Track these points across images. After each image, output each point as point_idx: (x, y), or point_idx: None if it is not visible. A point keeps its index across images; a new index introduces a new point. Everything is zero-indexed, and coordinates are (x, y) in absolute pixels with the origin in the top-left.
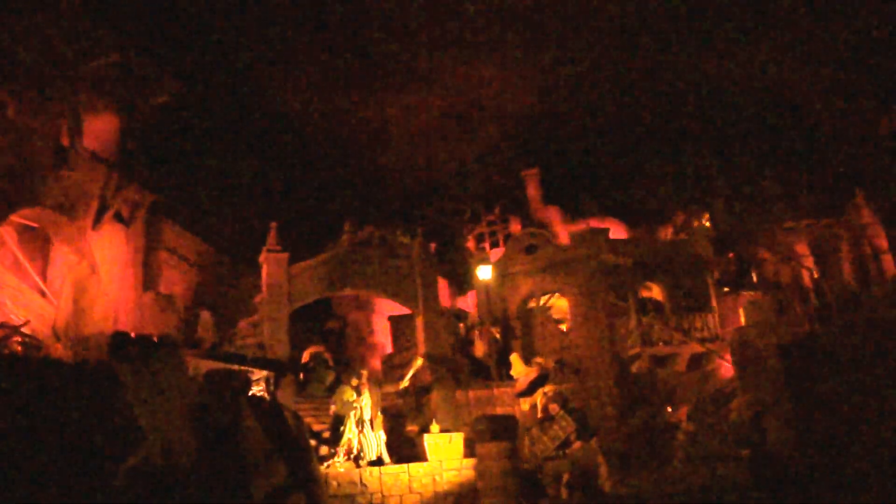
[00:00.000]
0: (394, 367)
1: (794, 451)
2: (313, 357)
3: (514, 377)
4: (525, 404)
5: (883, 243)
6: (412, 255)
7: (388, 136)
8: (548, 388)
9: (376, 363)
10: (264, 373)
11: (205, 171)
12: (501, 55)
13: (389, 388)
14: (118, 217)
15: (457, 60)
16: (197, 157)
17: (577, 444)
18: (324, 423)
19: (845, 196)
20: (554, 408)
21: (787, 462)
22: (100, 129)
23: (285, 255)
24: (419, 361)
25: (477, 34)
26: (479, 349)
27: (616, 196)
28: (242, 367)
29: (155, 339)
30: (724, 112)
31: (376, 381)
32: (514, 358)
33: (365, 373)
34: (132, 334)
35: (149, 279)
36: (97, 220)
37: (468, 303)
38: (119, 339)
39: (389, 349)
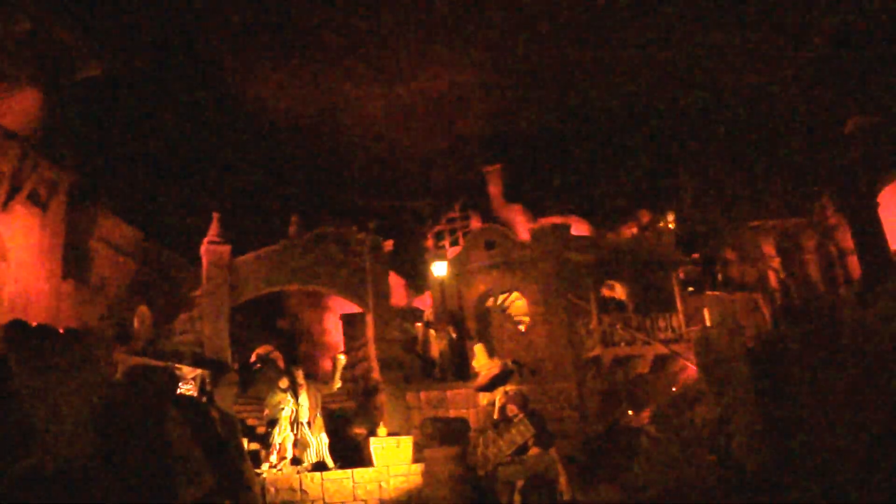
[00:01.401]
0: (344, 368)
1: (760, 455)
2: (260, 357)
3: (476, 369)
4: (483, 399)
5: (849, 244)
6: (363, 250)
7: (346, 129)
8: (509, 388)
9: (328, 364)
10: (199, 371)
11: (146, 156)
12: (465, 49)
13: (325, 390)
14: (34, 200)
15: (420, 54)
16: (137, 142)
17: (533, 450)
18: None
19: (812, 196)
20: (512, 409)
21: (754, 467)
22: (19, 104)
23: (227, 248)
24: (342, 359)
25: (442, 26)
26: (433, 349)
27: (580, 194)
28: (171, 365)
29: (61, 330)
30: (691, 110)
31: (316, 382)
32: (479, 348)
33: (300, 373)
34: (33, 324)
35: (78, 269)
36: (7, 201)
37: (426, 303)
38: (15, 329)
39: (342, 349)
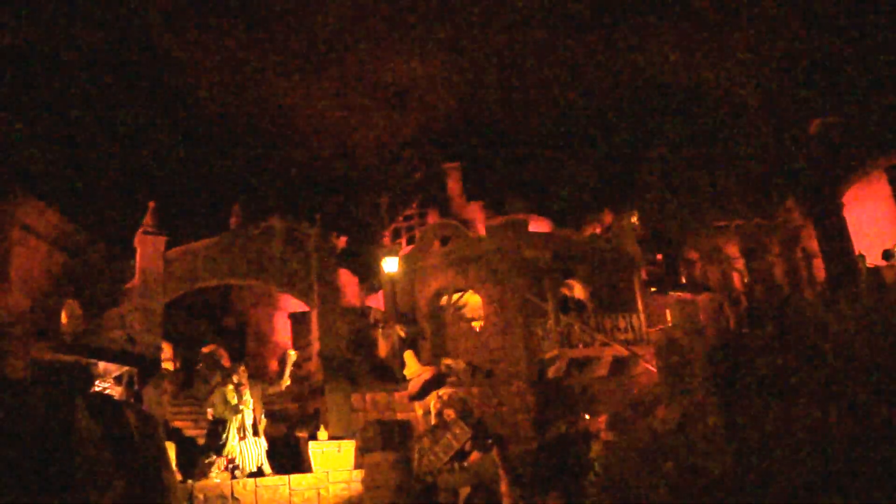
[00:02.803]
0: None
1: (721, 462)
2: (203, 356)
3: (408, 377)
4: (418, 409)
5: (814, 246)
6: (308, 244)
7: (301, 122)
8: (443, 392)
9: (276, 364)
10: (125, 369)
11: (77, 139)
12: (424, 42)
13: (272, 390)
14: None
15: (379, 46)
16: (68, 126)
17: (475, 455)
18: (203, 427)
19: (776, 197)
20: (450, 413)
21: (715, 474)
22: None
23: (163, 238)
24: (293, 355)
25: (401, 18)
26: (383, 349)
27: (543, 193)
28: (87, 361)
29: None
30: (655, 109)
31: (261, 381)
32: (409, 355)
33: (243, 369)
34: None
35: None
36: None
37: (380, 301)
38: None
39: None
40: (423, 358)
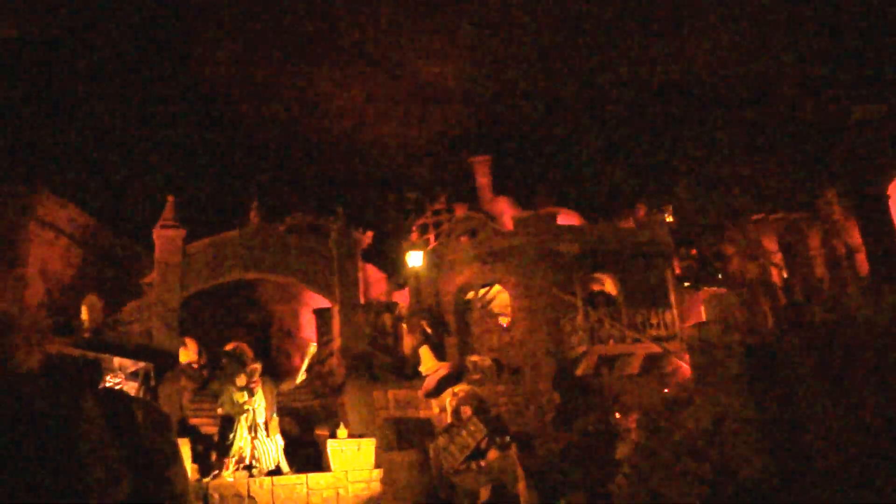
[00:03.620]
0: (312, 364)
1: (757, 464)
2: (227, 353)
3: (423, 374)
4: (434, 406)
5: (856, 240)
6: (330, 238)
7: (327, 116)
8: (458, 388)
9: (300, 360)
10: (141, 365)
11: (100, 136)
12: (453, 34)
13: (285, 386)
14: None
15: (408, 40)
16: (89, 120)
17: (492, 454)
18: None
19: (816, 189)
20: (466, 411)
21: (750, 476)
22: None
23: (181, 233)
24: (313, 349)
25: (430, 14)
26: (407, 345)
27: (573, 188)
28: (99, 356)
29: None
30: (689, 100)
31: (273, 379)
32: (424, 351)
33: (257, 368)
34: None
35: (12, 256)
36: None
37: (407, 297)
38: None
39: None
40: (448, 355)
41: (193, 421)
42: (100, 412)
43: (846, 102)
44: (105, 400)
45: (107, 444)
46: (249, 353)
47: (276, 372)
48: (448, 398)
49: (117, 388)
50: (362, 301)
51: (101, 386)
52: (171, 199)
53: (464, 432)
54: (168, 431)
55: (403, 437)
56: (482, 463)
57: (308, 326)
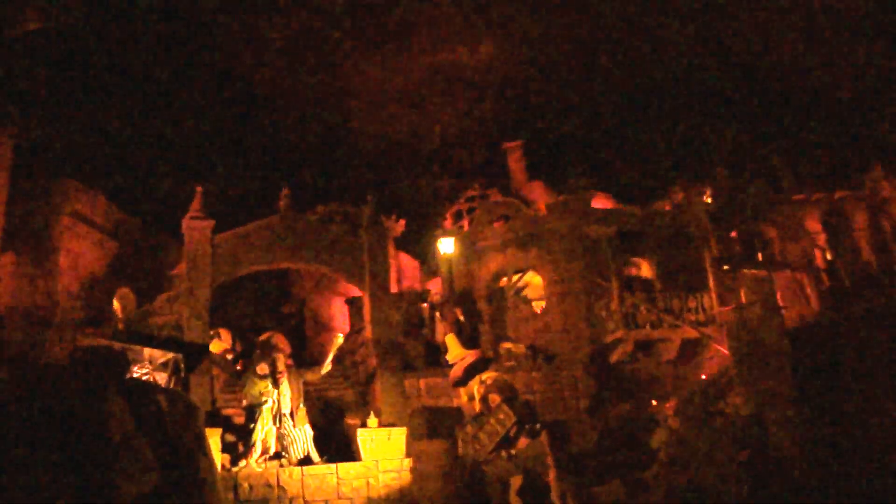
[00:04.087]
0: (344, 353)
1: (800, 453)
2: (260, 343)
3: (450, 362)
4: (463, 395)
5: None
6: (360, 226)
7: (358, 102)
8: (486, 376)
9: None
10: (170, 355)
11: (130, 127)
12: (485, 15)
13: (311, 376)
14: None
15: (438, 20)
16: (118, 111)
17: (522, 442)
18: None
19: (862, 166)
20: (494, 398)
21: (795, 466)
22: None
23: (209, 223)
24: (339, 339)
25: None
26: (440, 333)
27: (609, 171)
28: (126, 347)
29: None
30: (728, 76)
31: (300, 368)
32: (450, 339)
33: (281, 358)
34: None
35: (45, 249)
36: None
37: (440, 285)
38: None
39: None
40: (482, 342)
41: (226, 412)
42: (125, 403)
43: (893, 73)
44: (130, 390)
45: (133, 435)
46: (282, 342)
47: (309, 361)
48: (476, 386)
49: (144, 378)
50: (395, 289)
51: (127, 377)
52: (199, 189)
53: (492, 420)
54: (195, 421)
55: (434, 426)
56: (512, 451)
57: (341, 316)
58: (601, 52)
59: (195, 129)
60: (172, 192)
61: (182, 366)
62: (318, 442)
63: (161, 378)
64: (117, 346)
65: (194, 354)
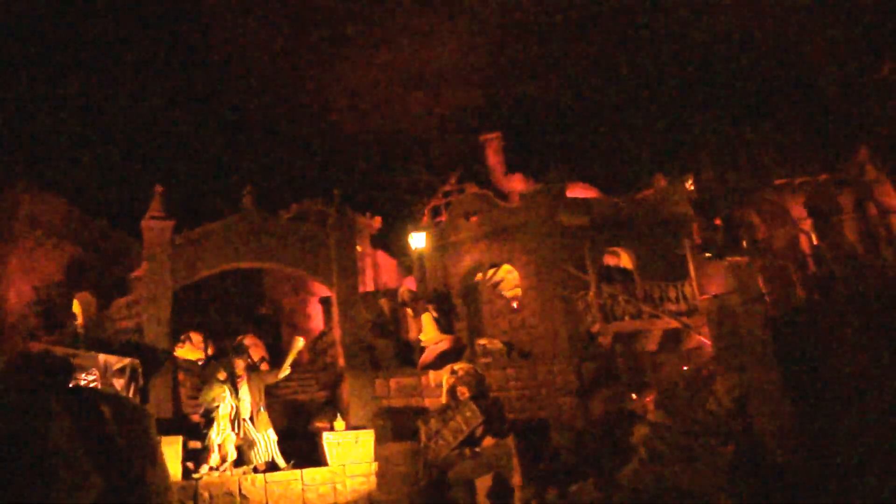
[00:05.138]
0: (316, 354)
1: (788, 445)
2: (234, 347)
3: (423, 343)
4: (431, 379)
5: (892, 201)
6: (327, 223)
7: (334, 98)
8: (459, 367)
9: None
10: (127, 361)
11: (85, 125)
12: (461, 8)
13: (270, 379)
14: None
15: (413, 15)
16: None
17: (488, 441)
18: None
19: (846, 148)
20: (463, 392)
21: (781, 459)
22: None
23: (169, 224)
24: (300, 342)
25: None
26: (412, 331)
27: (589, 162)
28: (66, 353)
29: None
30: (708, 60)
31: (260, 372)
32: (427, 318)
33: (241, 363)
34: None
35: None
36: None
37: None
38: None
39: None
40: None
41: (195, 418)
42: (66, 411)
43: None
44: (72, 398)
45: (73, 445)
46: (255, 345)
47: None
48: (446, 376)
49: (92, 385)
50: (372, 287)
51: (71, 384)
52: (159, 189)
53: (458, 417)
54: (146, 429)
55: (400, 427)
56: (476, 449)
57: (317, 317)
58: (582, 42)
59: (163, 128)
60: (139, 193)
61: (140, 371)
62: (287, 447)
63: (119, 384)
64: (60, 351)
65: (155, 359)
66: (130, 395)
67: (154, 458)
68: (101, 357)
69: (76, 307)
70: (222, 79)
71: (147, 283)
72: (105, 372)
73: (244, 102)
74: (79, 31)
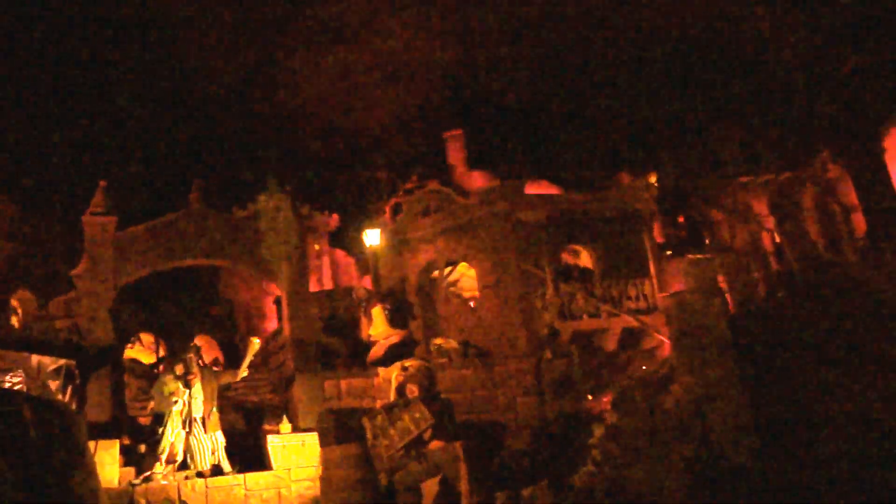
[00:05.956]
0: (268, 355)
1: (748, 446)
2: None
3: (372, 338)
4: (380, 375)
5: (853, 199)
6: (277, 218)
7: (293, 95)
8: (409, 363)
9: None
10: (62, 362)
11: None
12: (424, 3)
13: (225, 379)
14: None
15: (374, 9)
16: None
17: (436, 443)
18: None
19: (808, 146)
20: (413, 390)
21: (740, 461)
22: None
23: (112, 219)
24: (255, 343)
25: None
26: (366, 330)
27: (553, 160)
28: (7, 354)
29: None
30: (671, 57)
31: (215, 371)
32: (377, 312)
33: (193, 357)
34: None
35: None
36: None
37: None
38: None
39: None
40: (413, 339)
41: (141, 420)
42: None
43: (838, 53)
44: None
45: None
46: (208, 344)
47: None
48: (395, 372)
49: (17, 387)
50: (330, 286)
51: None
52: (102, 183)
53: (406, 416)
54: (74, 432)
55: (346, 429)
56: (423, 450)
57: (273, 316)
58: (547, 38)
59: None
60: (83, 188)
61: (76, 373)
62: (235, 451)
63: (54, 385)
64: None
65: (94, 360)
66: (67, 397)
67: (81, 463)
68: (35, 358)
69: (13, 306)
70: (175, 71)
71: (87, 280)
72: (38, 373)
73: (197, 96)
74: (18, 19)
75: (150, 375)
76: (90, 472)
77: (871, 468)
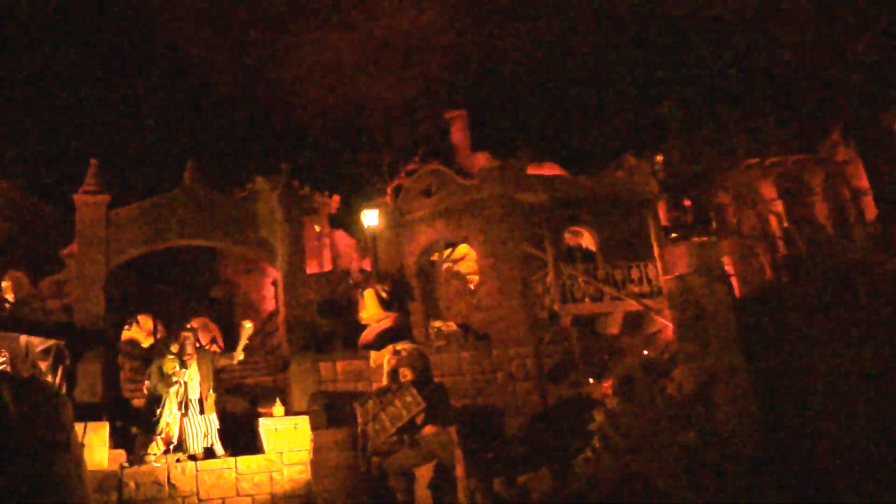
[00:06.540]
0: (265, 337)
1: (753, 433)
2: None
3: (364, 321)
4: (372, 360)
5: (863, 183)
6: (273, 199)
7: (296, 76)
8: (401, 346)
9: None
10: (51, 342)
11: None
12: None
13: (223, 362)
14: None
15: None
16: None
17: (428, 429)
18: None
19: (817, 129)
20: (405, 374)
21: (744, 448)
22: None
23: (104, 198)
24: (248, 327)
25: None
26: (361, 312)
27: (558, 141)
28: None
29: None
30: (679, 39)
31: (213, 353)
32: (369, 294)
33: (190, 337)
34: None
35: None
36: None
37: None
38: None
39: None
40: (413, 322)
41: (135, 402)
42: None
43: (848, 33)
44: None
45: None
46: (206, 326)
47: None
48: (388, 356)
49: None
50: (331, 268)
51: None
52: (94, 162)
53: (398, 401)
54: (59, 414)
55: (337, 412)
56: (416, 436)
57: (271, 298)
58: (552, 19)
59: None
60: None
61: (66, 353)
62: (231, 433)
63: (43, 366)
64: None
65: (85, 341)
66: (57, 378)
67: (66, 445)
68: (23, 338)
69: (5, 286)
70: (174, 50)
71: (79, 260)
72: (27, 353)
73: (198, 75)
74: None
75: (145, 357)
76: (75, 454)
77: (880, 456)
